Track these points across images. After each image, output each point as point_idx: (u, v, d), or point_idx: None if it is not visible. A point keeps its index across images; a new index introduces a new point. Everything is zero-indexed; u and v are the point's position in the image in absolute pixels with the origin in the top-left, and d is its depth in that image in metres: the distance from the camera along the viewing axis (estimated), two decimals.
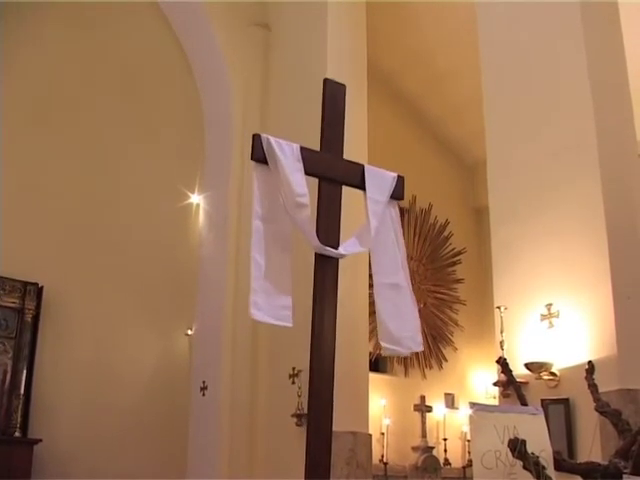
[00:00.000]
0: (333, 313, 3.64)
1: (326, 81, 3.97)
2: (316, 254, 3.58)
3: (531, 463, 3.24)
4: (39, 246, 11.23)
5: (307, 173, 3.61)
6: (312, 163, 3.62)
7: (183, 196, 11.20)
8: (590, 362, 4.30)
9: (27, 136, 11.40)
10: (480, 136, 8.42)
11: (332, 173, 3.65)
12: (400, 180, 3.98)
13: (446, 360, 12.12)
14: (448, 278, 12.54)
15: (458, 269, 12.68)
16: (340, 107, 3.90)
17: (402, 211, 11.84)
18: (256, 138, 3.51)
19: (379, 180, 3.82)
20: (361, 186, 3.78)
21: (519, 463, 3.30)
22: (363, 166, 3.82)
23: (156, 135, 11.99)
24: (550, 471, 3.46)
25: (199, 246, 10.87)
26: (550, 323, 6.95)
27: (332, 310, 3.62)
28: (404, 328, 3.70)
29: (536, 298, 7.09)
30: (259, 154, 3.49)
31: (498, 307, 7.30)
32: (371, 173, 3.80)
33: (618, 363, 6.35)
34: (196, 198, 11.18)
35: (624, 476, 3.38)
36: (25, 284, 11.16)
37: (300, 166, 3.47)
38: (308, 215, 3.50)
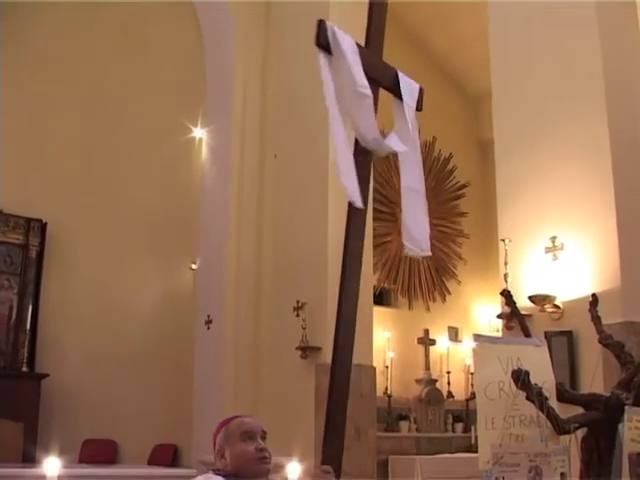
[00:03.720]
0: (360, 250, 3.80)
1: None
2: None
3: (534, 394, 3.25)
4: (42, 183, 11.20)
5: None
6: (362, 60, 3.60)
7: (186, 130, 11.12)
8: (594, 294, 4.28)
9: (29, 74, 11.31)
10: (485, 68, 8.31)
11: (373, 72, 3.60)
12: (421, 91, 3.99)
13: (450, 293, 12.15)
14: (452, 212, 12.52)
15: (462, 203, 12.64)
16: (383, 13, 3.88)
17: None
18: (322, 24, 3.42)
19: (409, 87, 3.84)
20: (394, 90, 3.77)
21: (522, 394, 3.31)
22: (396, 70, 3.78)
23: (157, 70, 11.85)
24: (553, 402, 3.47)
25: (202, 180, 10.82)
26: (554, 256, 6.94)
27: (359, 247, 3.77)
28: (422, 232, 3.85)
29: (541, 231, 7.07)
30: (324, 40, 3.40)
31: (502, 240, 7.28)
32: (404, 79, 3.80)
33: (622, 295, 6.37)
34: (199, 132, 11.10)
35: (626, 407, 3.39)
36: (29, 220, 11.17)
37: (358, 59, 3.44)
38: (371, 104, 3.46)
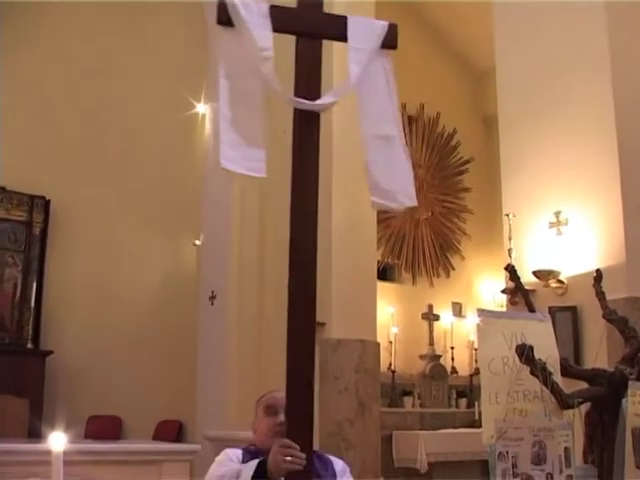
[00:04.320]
0: (315, 177, 3.50)
1: None
2: (295, 113, 3.45)
3: (538, 369, 3.25)
4: (44, 160, 11.18)
5: (281, 31, 3.46)
6: (286, 20, 3.46)
7: (189, 106, 11.09)
8: (598, 270, 4.27)
9: (28, 48, 11.26)
10: (489, 43, 8.27)
11: (309, 28, 3.48)
12: (392, 28, 3.65)
13: (454, 269, 12.16)
14: (456, 187, 12.50)
15: (466, 178, 12.62)
16: None
17: (410, 119, 11.92)
18: (220, 3, 3.38)
19: (365, 29, 3.54)
20: (344, 37, 3.50)
21: (526, 369, 3.31)
22: (346, 17, 3.61)
23: (160, 45, 11.80)
24: (557, 377, 3.47)
25: (205, 155, 10.80)
26: (559, 231, 6.94)
27: (313, 174, 3.47)
28: (397, 182, 3.42)
29: (545, 206, 7.07)
30: (224, 17, 3.34)
31: (507, 214, 7.27)
32: (356, 23, 3.53)
33: (626, 271, 6.37)
34: (202, 108, 11.08)
35: (629, 382, 3.39)
36: (32, 197, 11.17)
37: (266, 23, 3.29)
38: (272, 68, 3.35)
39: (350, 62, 3.45)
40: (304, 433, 2.94)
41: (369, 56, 3.50)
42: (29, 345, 10.88)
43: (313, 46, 3.45)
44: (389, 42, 3.61)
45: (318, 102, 3.42)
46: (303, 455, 2.83)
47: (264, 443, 3.12)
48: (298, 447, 2.83)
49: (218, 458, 3.18)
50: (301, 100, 3.40)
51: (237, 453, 3.17)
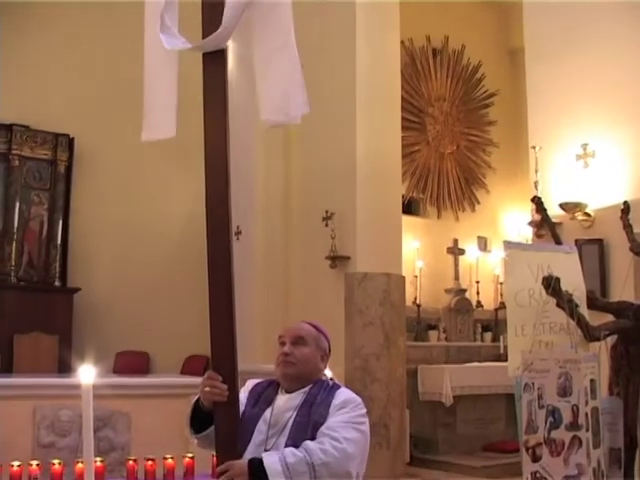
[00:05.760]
0: (223, 115, 3.51)
1: None
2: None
3: (564, 300, 3.24)
4: (68, 98, 11.15)
5: None
6: None
7: None
8: (626, 202, 4.24)
9: None
10: None
11: None
12: None
13: (479, 203, 12.07)
14: (481, 120, 12.36)
15: (491, 111, 12.47)
16: None
17: (434, 52, 11.77)
18: None
19: None
20: None
21: (552, 301, 3.30)
22: None
23: None
24: (583, 309, 3.46)
25: (229, 91, 10.69)
26: (585, 163, 6.87)
27: (222, 113, 3.51)
28: (290, 94, 3.30)
29: (572, 138, 6.99)
30: None
31: (533, 147, 7.20)
32: None
33: None
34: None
35: None
36: (56, 135, 11.17)
37: None
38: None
39: None
40: (227, 364, 3.05)
41: None
42: (57, 283, 10.99)
43: None
44: None
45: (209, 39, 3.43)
46: (224, 386, 2.96)
47: (275, 372, 3.19)
48: (220, 378, 2.97)
49: None
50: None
51: (253, 382, 3.27)
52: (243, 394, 3.20)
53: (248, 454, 2.97)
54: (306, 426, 2.99)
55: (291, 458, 2.83)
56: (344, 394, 3.13)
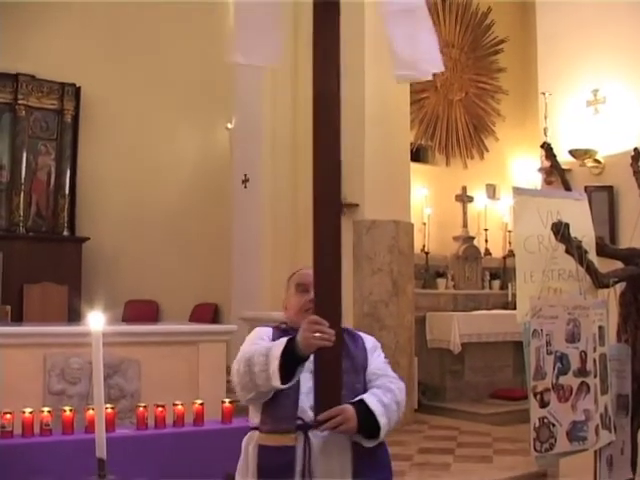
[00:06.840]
0: (336, 59, 3.28)
1: None
2: None
3: (574, 247, 3.23)
4: (74, 47, 11.09)
5: None
6: None
7: None
8: (636, 149, 4.19)
9: None
10: None
11: None
12: None
13: (487, 150, 12.01)
14: (490, 67, 12.24)
15: (500, 58, 12.34)
16: None
17: None
18: None
19: None
20: None
21: (561, 247, 3.29)
22: None
23: None
24: (592, 256, 3.45)
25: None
26: (596, 109, 6.79)
27: (335, 56, 3.26)
28: (421, 51, 3.32)
29: (582, 84, 6.90)
30: None
31: (542, 93, 7.12)
32: None
33: None
34: None
35: None
36: (63, 85, 11.13)
37: None
38: None
39: None
40: (332, 309, 2.93)
41: None
42: (65, 232, 11.03)
43: None
44: None
45: None
46: (332, 331, 2.80)
47: (294, 321, 3.13)
48: (327, 323, 2.81)
49: (249, 336, 3.19)
50: None
51: (268, 331, 3.18)
52: (265, 342, 3.13)
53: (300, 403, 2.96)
54: (355, 370, 3.07)
55: (385, 398, 2.99)
56: (367, 337, 3.26)
